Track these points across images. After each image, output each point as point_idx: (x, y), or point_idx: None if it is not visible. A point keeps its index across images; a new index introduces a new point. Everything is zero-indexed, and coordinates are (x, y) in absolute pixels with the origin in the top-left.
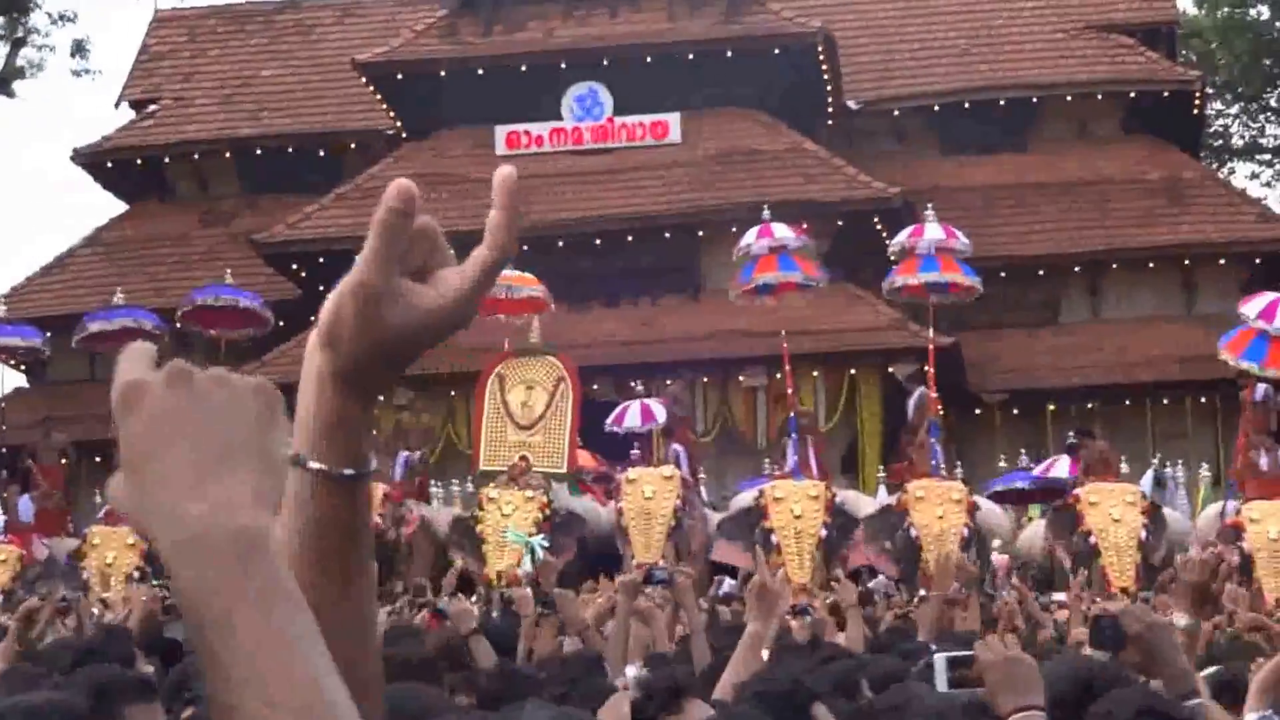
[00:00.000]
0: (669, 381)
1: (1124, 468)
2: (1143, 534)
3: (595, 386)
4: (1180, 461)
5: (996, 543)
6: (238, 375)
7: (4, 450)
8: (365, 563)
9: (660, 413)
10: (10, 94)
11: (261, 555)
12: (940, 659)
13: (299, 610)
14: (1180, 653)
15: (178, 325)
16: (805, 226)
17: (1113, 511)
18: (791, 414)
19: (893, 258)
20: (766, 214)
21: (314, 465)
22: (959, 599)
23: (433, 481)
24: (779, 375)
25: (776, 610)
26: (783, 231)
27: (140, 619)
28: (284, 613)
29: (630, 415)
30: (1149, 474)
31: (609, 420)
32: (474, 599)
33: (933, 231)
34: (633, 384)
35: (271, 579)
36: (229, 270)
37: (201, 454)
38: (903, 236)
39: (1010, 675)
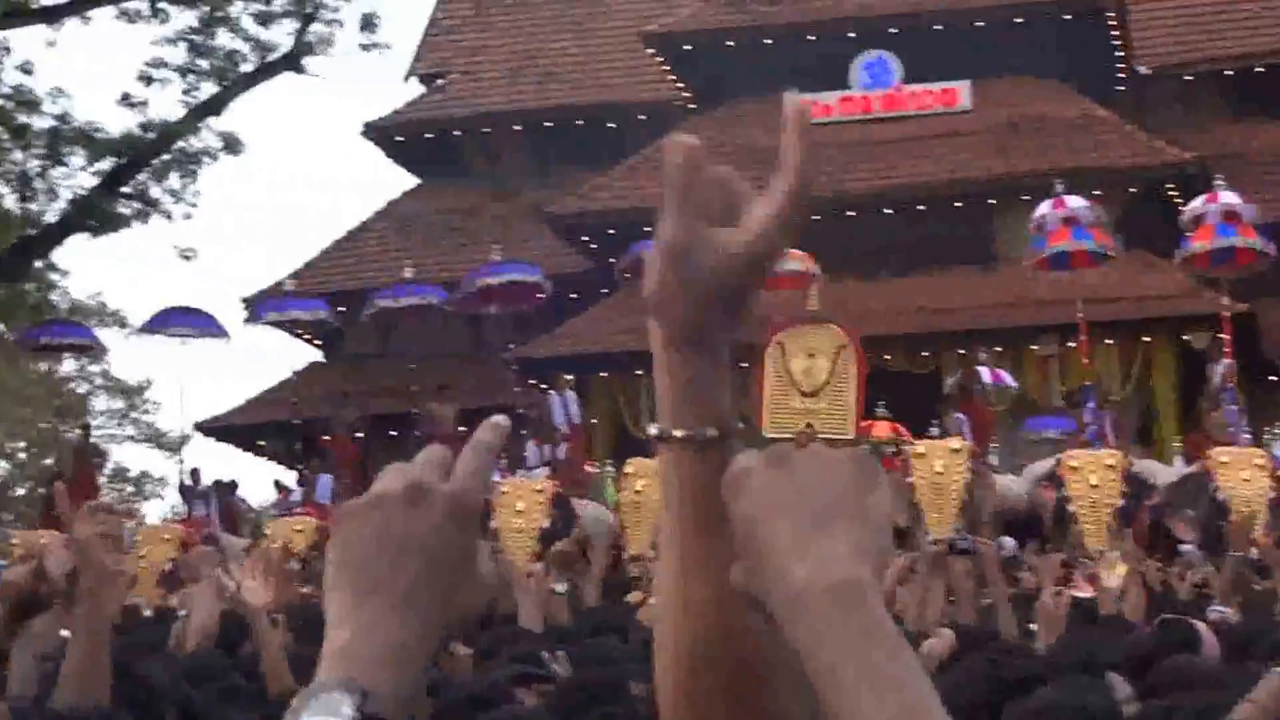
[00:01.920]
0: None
1: None
2: None
3: (888, 357)
4: None
5: None
6: (831, 449)
7: (298, 423)
8: None
9: (1009, 379)
10: (300, 70)
11: (858, 603)
12: None
13: (899, 649)
14: None
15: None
16: (1098, 194)
17: None
18: (1087, 382)
19: (1184, 229)
20: (1059, 188)
21: (677, 434)
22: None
23: None
24: (1071, 344)
25: None
26: (1075, 202)
27: None
28: (883, 653)
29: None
30: None
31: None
32: None
33: (1228, 197)
34: (924, 352)
35: (870, 624)
36: (495, 245)
37: (800, 521)
38: (1196, 204)
39: None
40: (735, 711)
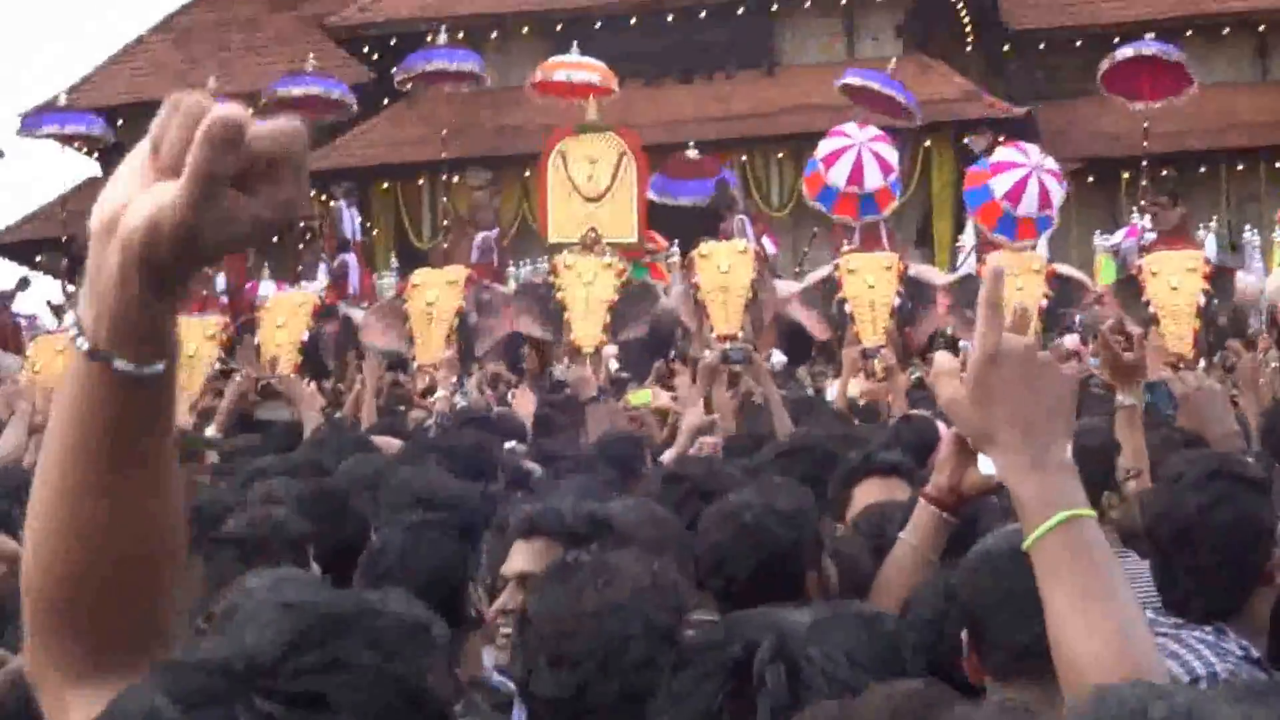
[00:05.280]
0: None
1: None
2: (1201, 300)
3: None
4: (1255, 227)
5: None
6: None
7: (67, 239)
8: (168, 452)
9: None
10: None
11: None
12: None
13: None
14: (1229, 414)
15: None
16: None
17: (1172, 280)
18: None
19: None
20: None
21: (120, 365)
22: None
23: (510, 262)
24: None
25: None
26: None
27: (231, 400)
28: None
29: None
30: (1210, 238)
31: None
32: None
33: None
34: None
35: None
36: (312, 55)
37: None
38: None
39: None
40: (113, 628)
